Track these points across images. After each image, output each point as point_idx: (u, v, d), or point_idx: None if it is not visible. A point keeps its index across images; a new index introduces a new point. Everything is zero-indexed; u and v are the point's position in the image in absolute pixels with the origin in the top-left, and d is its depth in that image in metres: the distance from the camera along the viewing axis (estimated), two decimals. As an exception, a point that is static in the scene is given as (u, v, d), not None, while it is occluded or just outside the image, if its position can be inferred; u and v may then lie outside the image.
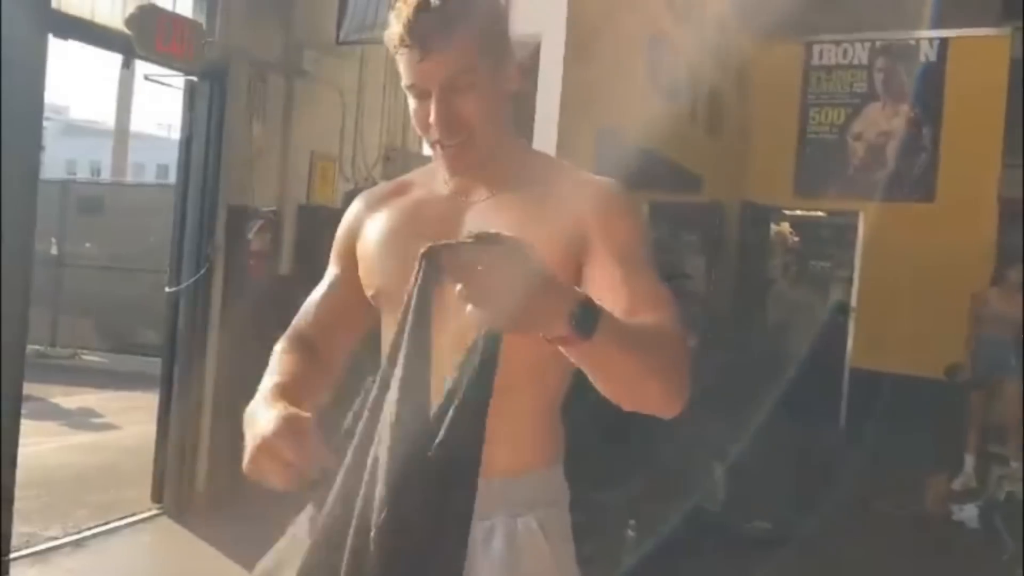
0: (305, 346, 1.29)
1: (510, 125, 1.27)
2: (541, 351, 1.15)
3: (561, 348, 0.99)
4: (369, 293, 1.28)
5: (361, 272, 1.29)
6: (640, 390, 1.06)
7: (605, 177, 1.25)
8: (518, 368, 1.16)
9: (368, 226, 1.30)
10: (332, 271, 1.36)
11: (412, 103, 1.19)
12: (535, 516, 1.21)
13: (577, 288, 1.01)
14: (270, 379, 1.19)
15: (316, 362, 1.28)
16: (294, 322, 1.35)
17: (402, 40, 1.14)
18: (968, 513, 4.76)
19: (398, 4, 1.16)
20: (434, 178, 1.30)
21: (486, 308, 0.92)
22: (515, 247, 0.93)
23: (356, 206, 1.35)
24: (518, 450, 1.22)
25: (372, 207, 1.32)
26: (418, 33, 1.12)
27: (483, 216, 1.21)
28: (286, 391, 1.13)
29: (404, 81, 1.18)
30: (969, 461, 5.27)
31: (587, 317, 0.95)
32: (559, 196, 1.20)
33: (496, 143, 1.22)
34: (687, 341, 1.12)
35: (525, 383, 1.20)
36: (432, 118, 1.16)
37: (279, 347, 1.30)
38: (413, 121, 1.21)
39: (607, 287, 1.12)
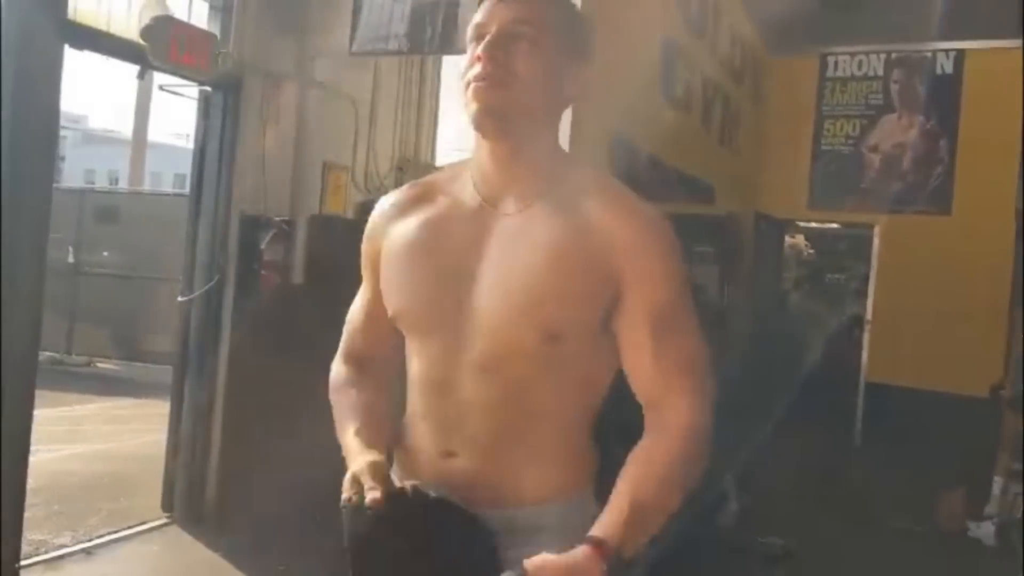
0: (368, 372, 1.31)
1: (555, 133, 1.23)
2: (571, 375, 1.17)
3: None
4: (389, 312, 1.24)
5: (383, 288, 1.25)
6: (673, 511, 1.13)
7: (647, 207, 1.19)
8: (547, 393, 1.17)
9: (390, 238, 1.24)
10: (366, 287, 1.32)
11: (469, 49, 1.17)
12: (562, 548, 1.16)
13: (594, 536, 1.06)
14: (351, 422, 1.22)
15: (379, 385, 1.30)
16: (345, 345, 1.35)
17: None
18: (985, 530, 4.70)
19: None
20: (462, 184, 1.23)
21: None
22: None
23: (378, 215, 1.29)
24: (545, 477, 1.19)
25: (395, 216, 1.26)
26: None
27: (513, 234, 1.16)
28: (366, 433, 1.20)
29: (471, 25, 1.18)
30: (998, 483, 5.15)
31: (618, 562, 1.03)
32: (596, 223, 1.14)
33: (531, 120, 1.17)
34: (702, 418, 1.14)
35: (555, 407, 1.18)
36: (480, 49, 1.14)
37: (341, 376, 1.31)
38: (463, 66, 1.18)
39: (634, 347, 1.15)
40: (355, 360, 1.32)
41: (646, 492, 1.09)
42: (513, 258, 1.15)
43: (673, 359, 1.14)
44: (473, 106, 1.15)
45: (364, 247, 1.31)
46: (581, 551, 1.03)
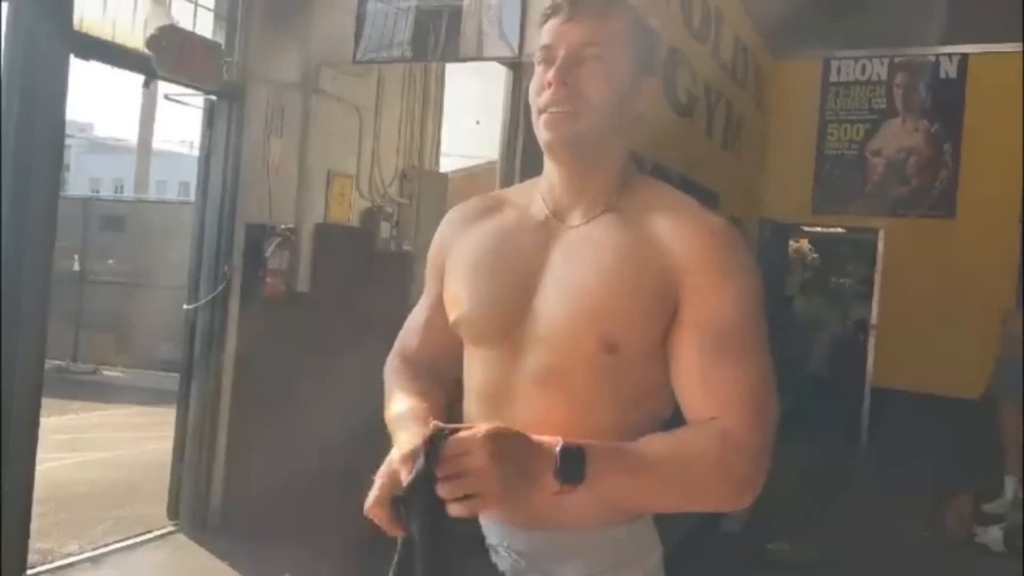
0: (422, 370, 1.28)
1: (624, 148, 1.20)
2: (631, 392, 1.13)
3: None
4: (451, 318, 1.23)
5: (445, 295, 1.25)
6: (676, 504, 1.06)
7: (715, 219, 1.14)
8: (606, 410, 1.13)
9: (459, 247, 1.25)
10: (430, 292, 1.32)
11: (537, 71, 1.15)
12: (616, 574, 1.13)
13: (559, 440, 0.99)
14: (407, 401, 1.19)
15: (436, 383, 1.27)
16: (401, 343, 1.34)
17: (554, 5, 1.14)
18: (992, 535, 4.67)
19: None
20: (531, 198, 1.23)
21: (471, 503, 0.95)
22: (479, 441, 0.95)
23: (446, 224, 1.30)
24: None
25: (464, 226, 1.26)
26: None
27: (576, 245, 1.15)
28: (423, 409, 1.17)
29: (539, 45, 1.14)
30: (1010, 484, 5.12)
31: (572, 465, 0.97)
32: (659, 235, 1.11)
33: (603, 143, 1.15)
34: (756, 442, 1.04)
35: (614, 426, 1.11)
36: (550, 75, 1.11)
37: (395, 366, 1.30)
38: (531, 90, 1.16)
39: (684, 370, 1.09)
40: (406, 360, 1.31)
41: (652, 447, 1.03)
42: (575, 267, 1.14)
43: (724, 385, 1.06)
44: (545, 135, 1.14)
45: (431, 254, 1.31)
46: (544, 437, 0.98)
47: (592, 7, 1.13)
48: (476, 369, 1.21)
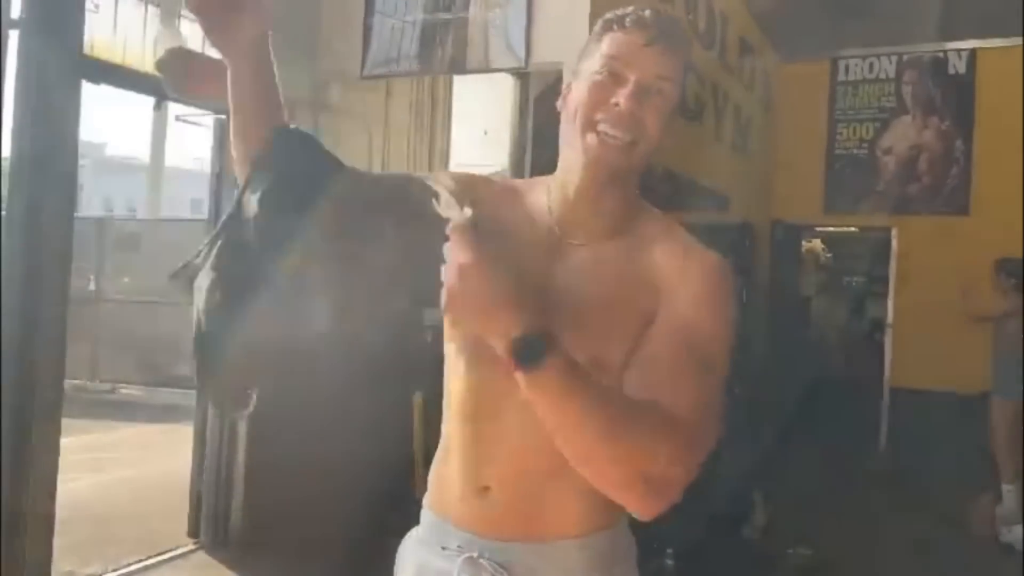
0: None
1: (638, 177, 1.20)
2: None
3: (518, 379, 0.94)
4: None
5: None
6: (595, 463, 0.97)
7: (710, 253, 1.17)
8: None
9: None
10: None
11: (596, 80, 1.10)
12: None
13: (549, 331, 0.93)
14: None
15: None
16: None
17: (635, 21, 1.10)
18: (1015, 535, 4.63)
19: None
20: (535, 198, 1.21)
21: (453, 304, 0.93)
22: (492, 258, 0.94)
23: (471, 184, 1.23)
24: (584, 513, 1.15)
25: (485, 203, 1.17)
26: (655, 21, 1.10)
27: (579, 266, 1.16)
28: None
29: (605, 51, 1.10)
30: (1008, 491, 5.05)
31: (533, 347, 0.92)
32: (656, 266, 1.14)
33: (634, 173, 1.16)
34: (693, 439, 0.99)
35: None
36: (622, 100, 1.08)
37: None
38: (584, 95, 1.11)
39: (648, 356, 1.06)
40: None
41: (605, 385, 1.00)
42: (576, 290, 1.14)
43: (686, 387, 1.02)
44: (597, 153, 1.11)
45: (452, 182, 1.20)
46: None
47: (673, 37, 1.12)
48: (460, 383, 1.20)
